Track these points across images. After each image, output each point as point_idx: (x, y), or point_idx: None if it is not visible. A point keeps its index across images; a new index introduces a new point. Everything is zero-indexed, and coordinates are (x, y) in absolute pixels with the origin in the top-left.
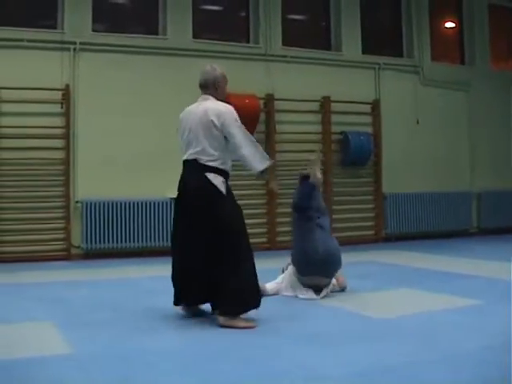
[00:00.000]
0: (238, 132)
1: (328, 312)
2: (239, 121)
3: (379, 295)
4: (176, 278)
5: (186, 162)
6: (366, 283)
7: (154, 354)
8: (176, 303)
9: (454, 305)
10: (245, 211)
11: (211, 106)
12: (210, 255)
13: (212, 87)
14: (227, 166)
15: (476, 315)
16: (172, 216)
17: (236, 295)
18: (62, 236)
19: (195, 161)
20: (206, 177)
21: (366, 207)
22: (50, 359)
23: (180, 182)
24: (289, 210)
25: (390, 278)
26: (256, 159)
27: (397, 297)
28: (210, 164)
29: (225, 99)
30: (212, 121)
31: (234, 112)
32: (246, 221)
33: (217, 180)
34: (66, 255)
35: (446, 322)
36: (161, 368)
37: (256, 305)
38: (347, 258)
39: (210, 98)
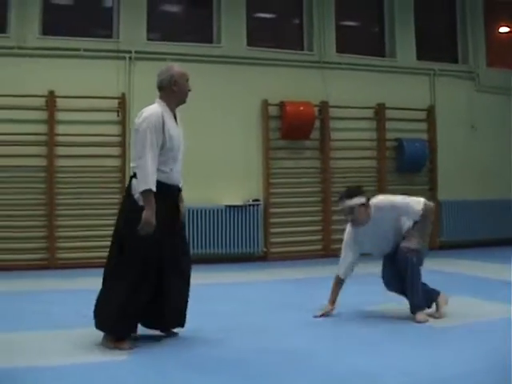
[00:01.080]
0: (139, 142)
1: (385, 320)
2: (151, 130)
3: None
4: None
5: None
6: None
7: (206, 360)
8: None
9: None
10: (300, 219)
11: (143, 110)
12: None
13: (168, 88)
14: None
15: None
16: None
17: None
18: None
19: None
20: (130, 184)
21: None
22: (108, 365)
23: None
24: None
25: (447, 285)
26: (141, 177)
27: (455, 305)
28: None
29: (185, 99)
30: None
31: (153, 119)
32: (301, 228)
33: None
34: None
35: (504, 331)
36: (211, 374)
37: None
38: None
39: (159, 101)
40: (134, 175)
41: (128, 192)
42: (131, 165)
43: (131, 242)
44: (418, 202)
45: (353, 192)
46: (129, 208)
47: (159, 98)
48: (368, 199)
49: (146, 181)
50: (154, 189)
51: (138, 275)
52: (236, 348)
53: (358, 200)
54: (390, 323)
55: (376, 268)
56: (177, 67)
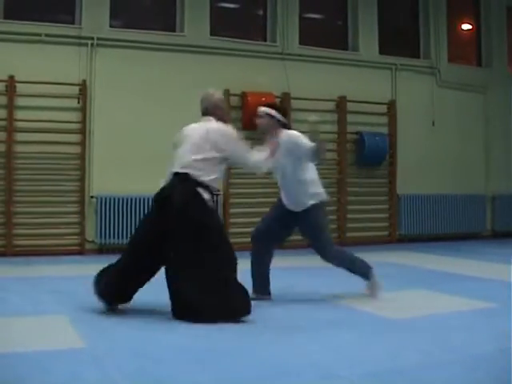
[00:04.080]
0: (235, 150)
1: (341, 312)
2: (239, 137)
3: (393, 296)
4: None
5: (177, 175)
6: (379, 283)
7: (167, 350)
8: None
9: (467, 307)
10: (259, 209)
11: (213, 126)
12: None
13: (212, 113)
14: (215, 184)
15: (489, 318)
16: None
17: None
18: (76, 231)
19: (187, 175)
20: (196, 191)
21: (380, 208)
22: (65, 353)
23: (164, 191)
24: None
25: (404, 278)
26: (255, 165)
27: (411, 298)
28: (201, 179)
29: (227, 120)
30: (213, 140)
31: (234, 131)
32: (259, 219)
33: (206, 195)
34: (80, 250)
35: (460, 323)
36: (174, 363)
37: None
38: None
39: (212, 119)
40: (199, 184)
41: (193, 198)
42: (192, 171)
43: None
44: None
45: (274, 106)
46: (203, 210)
47: (209, 116)
48: (282, 122)
49: (263, 163)
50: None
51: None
52: (193, 334)
53: (269, 111)
54: (345, 314)
55: (316, 261)
56: (216, 94)
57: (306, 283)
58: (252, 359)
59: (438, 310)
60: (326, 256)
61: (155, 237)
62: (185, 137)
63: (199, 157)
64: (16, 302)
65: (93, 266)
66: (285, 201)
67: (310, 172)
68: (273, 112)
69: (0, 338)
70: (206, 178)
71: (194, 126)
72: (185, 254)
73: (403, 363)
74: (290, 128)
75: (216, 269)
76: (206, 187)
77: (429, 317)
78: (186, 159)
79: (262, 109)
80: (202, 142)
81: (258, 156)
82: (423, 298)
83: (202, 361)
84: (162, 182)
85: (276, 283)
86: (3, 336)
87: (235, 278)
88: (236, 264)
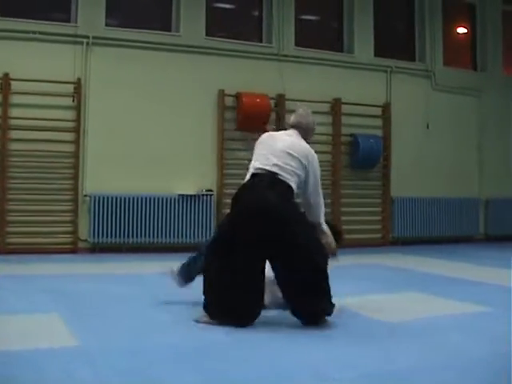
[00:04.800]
0: (317, 180)
1: (334, 314)
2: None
3: (386, 298)
4: None
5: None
6: (372, 286)
7: (161, 349)
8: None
9: (460, 310)
10: None
11: (304, 144)
12: None
13: (302, 131)
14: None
15: (482, 322)
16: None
17: None
18: (69, 229)
19: (283, 181)
20: (296, 203)
21: (373, 210)
22: (57, 351)
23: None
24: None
25: (397, 281)
26: (320, 210)
27: (403, 301)
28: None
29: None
30: (306, 157)
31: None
32: None
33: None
34: (73, 248)
35: (453, 327)
36: (167, 363)
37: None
38: (354, 260)
39: (299, 135)
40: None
41: (296, 210)
42: (288, 179)
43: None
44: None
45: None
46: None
47: (295, 132)
48: None
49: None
50: None
51: None
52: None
53: None
54: (338, 316)
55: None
56: (312, 116)
57: None
58: (245, 361)
59: (431, 313)
60: None
61: None
62: (268, 142)
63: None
64: (9, 301)
65: (85, 265)
66: None
67: None
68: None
69: None
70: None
71: (277, 134)
72: None
73: (397, 366)
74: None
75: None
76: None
77: (422, 320)
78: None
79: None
80: (291, 152)
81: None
82: (416, 301)
83: (195, 361)
84: None
85: None
86: None
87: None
88: None
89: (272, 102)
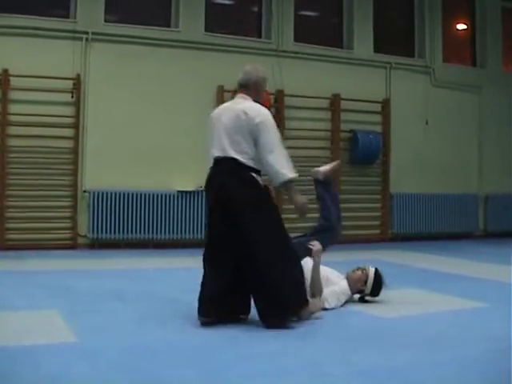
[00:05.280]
0: (272, 136)
1: (332, 311)
2: (275, 127)
3: (385, 295)
4: None
5: (221, 160)
6: None
7: (158, 346)
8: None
9: (459, 306)
10: None
11: (251, 106)
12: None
13: (253, 89)
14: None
15: (481, 318)
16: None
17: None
18: (68, 225)
19: (234, 160)
20: (253, 177)
21: (372, 206)
22: (56, 347)
23: (211, 180)
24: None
25: (396, 277)
26: (285, 166)
27: (403, 297)
28: (249, 163)
29: (262, 103)
30: (252, 120)
31: (271, 117)
32: None
33: (259, 178)
34: (72, 244)
35: (451, 323)
36: (164, 360)
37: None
38: (353, 256)
39: (248, 98)
40: (251, 168)
41: (254, 186)
42: (239, 157)
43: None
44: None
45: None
46: (262, 198)
47: (246, 94)
48: None
49: (291, 169)
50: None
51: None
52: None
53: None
54: (335, 312)
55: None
56: (262, 71)
57: None
58: (243, 357)
59: (430, 309)
60: None
61: None
62: (219, 119)
63: (239, 139)
64: (8, 296)
65: (84, 261)
66: None
67: None
68: (370, 283)
69: None
70: (250, 161)
71: (226, 106)
72: None
73: (396, 362)
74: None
75: None
76: (254, 171)
77: (421, 316)
78: (223, 143)
79: (371, 271)
80: (240, 124)
81: (289, 163)
82: (415, 296)
83: (193, 357)
84: None
85: None
86: None
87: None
88: None
89: (271, 98)
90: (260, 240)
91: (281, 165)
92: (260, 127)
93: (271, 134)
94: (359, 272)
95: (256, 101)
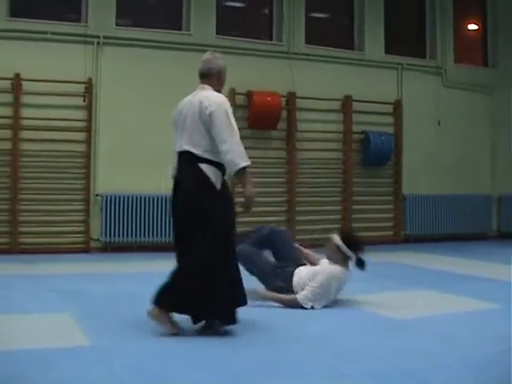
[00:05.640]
0: (224, 124)
1: (347, 312)
2: (231, 115)
3: (398, 296)
4: None
5: (180, 154)
6: (385, 284)
7: (173, 349)
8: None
9: (472, 308)
10: (264, 209)
11: (207, 95)
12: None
13: (215, 77)
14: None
15: (495, 319)
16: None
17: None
18: (81, 229)
19: (189, 153)
20: (199, 168)
21: (385, 207)
22: (70, 351)
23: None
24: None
25: (410, 279)
26: (237, 155)
27: (416, 298)
28: (204, 155)
29: (221, 91)
30: (205, 110)
31: (228, 105)
32: (265, 218)
33: (209, 171)
34: (85, 248)
35: (465, 324)
36: (177, 363)
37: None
38: (366, 257)
39: (209, 88)
40: (203, 160)
41: (198, 177)
42: (194, 150)
43: (225, 224)
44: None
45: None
46: (209, 191)
47: (207, 84)
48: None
49: (244, 157)
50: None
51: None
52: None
53: (341, 244)
54: (350, 313)
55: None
56: (222, 59)
57: None
58: (256, 358)
59: (443, 310)
60: None
61: None
62: (181, 112)
63: (197, 131)
64: (21, 300)
65: (97, 265)
66: None
67: None
68: (343, 247)
69: (5, 336)
70: (207, 153)
71: (187, 99)
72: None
73: (410, 364)
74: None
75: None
76: (209, 163)
77: (434, 317)
78: (183, 136)
79: (335, 238)
80: (197, 115)
81: (243, 150)
82: (429, 298)
83: (207, 361)
84: None
85: None
86: (8, 333)
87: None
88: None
89: (283, 100)
90: (193, 235)
91: (234, 154)
92: (212, 116)
93: (224, 122)
94: (328, 245)
95: (218, 90)
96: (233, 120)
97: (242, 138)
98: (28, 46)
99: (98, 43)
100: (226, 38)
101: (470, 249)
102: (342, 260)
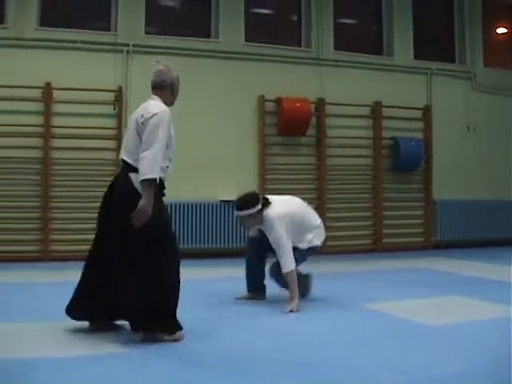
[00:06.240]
0: (151, 134)
1: (378, 318)
2: (163, 125)
3: (430, 303)
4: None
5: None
6: (416, 290)
7: (205, 352)
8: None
9: (505, 314)
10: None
11: (148, 105)
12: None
13: (168, 89)
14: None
15: None
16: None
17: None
18: None
19: (123, 161)
20: (129, 178)
21: (415, 213)
22: (106, 358)
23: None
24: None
25: (441, 285)
26: (147, 166)
27: (447, 304)
28: (136, 165)
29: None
30: (141, 119)
31: (165, 116)
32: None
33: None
34: None
35: (498, 331)
36: (213, 367)
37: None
38: (397, 264)
39: (158, 99)
40: (133, 169)
41: (127, 188)
42: (127, 158)
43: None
44: (286, 256)
45: (243, 204)
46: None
47: (156, 95)
48: (259, 207)
49: (154, 170)
50: (158, 180)
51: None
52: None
53: (246, 212)
54: (381, 320)
55: (353, 267)
56: (175, 71)
57: (342, 289)
58: (295, 364)
59: (476, 317)
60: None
61: None
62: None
63: (132, 140)
64: (53, 307)
65: None
66: None
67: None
68: (249, 211)
69: (40, 343)
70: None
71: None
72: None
73: (444, 371)
74: (269, 204)
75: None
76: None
77: (467, 324)
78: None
79: (240, 214)
80: (135, 125)
81: (158, 165)
82: (461, 305)
83: (243, 367)
84: None
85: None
86: (43, 341)
87: None
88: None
89: (312, 107)
90: (115, 246)
91: (145, 164)
92: (144, 125)
93: (151, 132)
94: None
95: (170, 102)
96: (162, 131)
97: (272, 144)
98: (58, 55)
99: (128, 51)
100: (254, 44)
101: (501, 255)
102: (259, 220)
